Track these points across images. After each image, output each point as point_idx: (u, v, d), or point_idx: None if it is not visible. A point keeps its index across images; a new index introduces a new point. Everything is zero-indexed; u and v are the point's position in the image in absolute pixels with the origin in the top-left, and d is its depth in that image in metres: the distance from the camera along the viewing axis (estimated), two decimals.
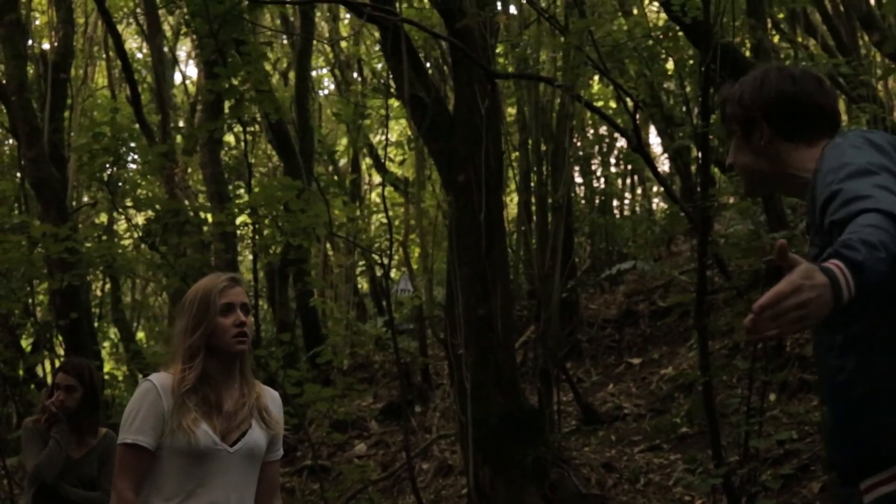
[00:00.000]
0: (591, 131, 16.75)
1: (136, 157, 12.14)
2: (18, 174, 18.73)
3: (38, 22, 19.21)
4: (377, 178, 23.19)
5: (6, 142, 20.52)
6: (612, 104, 15.18)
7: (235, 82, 9.08)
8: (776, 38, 15.68)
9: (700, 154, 6.54)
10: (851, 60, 10.30)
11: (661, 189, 19.70)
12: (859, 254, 1.94)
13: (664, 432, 8.49)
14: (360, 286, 20.93)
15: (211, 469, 3.29)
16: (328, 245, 17.74)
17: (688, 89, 14.86)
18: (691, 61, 10.72)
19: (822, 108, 2.60)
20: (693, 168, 14.80)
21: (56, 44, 15.11)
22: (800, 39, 16.38)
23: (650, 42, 9.60)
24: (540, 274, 9.07)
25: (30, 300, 13.80)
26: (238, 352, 3.38)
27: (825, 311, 1.91)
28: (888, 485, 2.15)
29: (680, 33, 8.94)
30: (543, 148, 10.17)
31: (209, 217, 11.39)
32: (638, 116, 8.22)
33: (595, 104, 11.82)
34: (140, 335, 22.66)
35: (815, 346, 2.49)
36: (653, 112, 13.56)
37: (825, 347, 2.38)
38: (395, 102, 16.87)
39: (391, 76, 9.55)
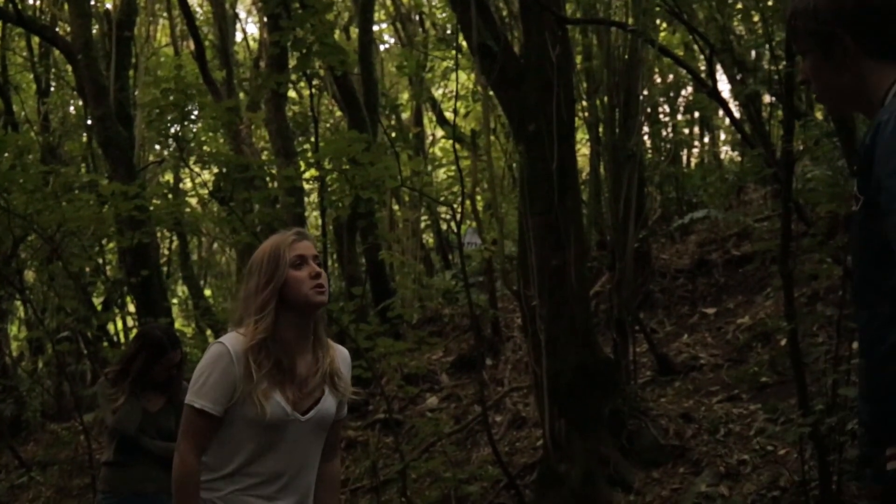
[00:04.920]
0: (659, 80, 16.46)
1: (201, 113, 12.16)
2: (85, 134, 18.95)
3: None
4: (440, 132, 23.10)
5: (71, 102, 20.73)
6: (680, 53, 14.87)
7: (301, 34, 8.98)
8: None
9: (785, 95, 6.33)
10: None
11: (729, 138, 19.39)
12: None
13: (746, 382, 8.32)
14: (425, 241, 20.89)
15: (280, 438, 3.24)
16: (393, 200, 17.71)
17: (757, 34, 14.51)
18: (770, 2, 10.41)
19: None
20: (765, 114, 14.50)
21: (119, 2, 15.14)
22: None
23: None
24: (614, 224, 8.91)
25: (100, 259, 13.96)
26: (318, 303, 3.27)
27: None
28: None
29: None
30: (610, 97, 9.96)
31: (273, 171, 11.36)
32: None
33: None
34: (207, 292, 22.88)
35: (858, 312, 2.36)
36: (723, 58, 13.25)
37: (868, 316, 2.26)
38: (453, 53, 16.72)
39: (459, 26, 9.38)
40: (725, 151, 19.17)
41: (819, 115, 13.92)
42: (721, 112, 17.69)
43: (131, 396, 5.46)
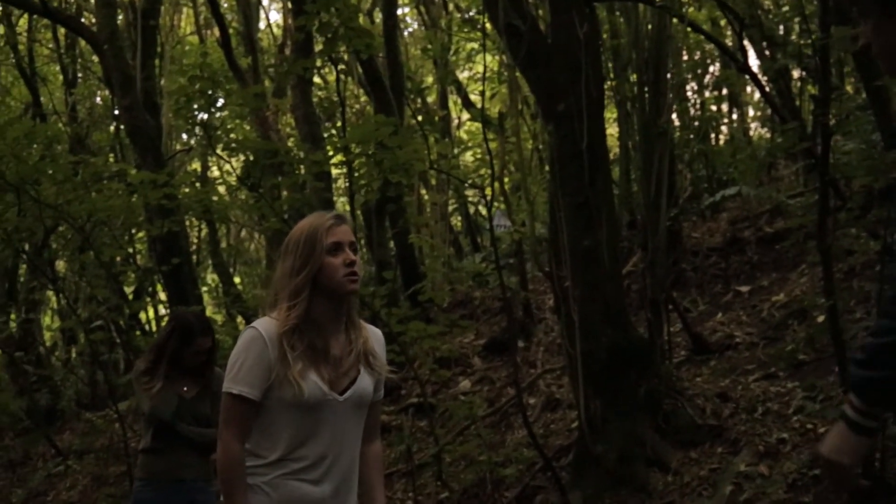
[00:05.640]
0: (685, 56, 16.32)
1: (227, 100, 12.13)
2: (113, 124, 19.02)
3: None
4: (465, 116, 23.06)
5: (97, 92, 20.82)
6: (706, 28, 14.74)
7: (326, 18, 8.94)
8: None
9: (819, 68, 6.22)
10: None
11: (758, 114, 19.21)
12: (858, 373, 2.28)
13: (784, 360, 8.22)
14: (453, 225, 20.87)
15: (321, 419, 3.23)
16: (421, 184, 17.67)
17: (785, 8, 14.35)
18: None
19: None
20: (795, 89, 14.35)
21: None
22: None
23: None
24: (645, 202, 8.82)
25: (130, 248, 14.01)
26: (350, 291, 3.27)
27: (850, 447, 2.31)
28: None
29: None
30: (636, 75, 9.86)
31: (301, 154, 11.33)
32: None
33: (688, 30, 11.46)
34: (236, 280, 22.96)
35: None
36: (752, 33, 13.12)
37: None
38: (478, 35, 16.65)
39: (484, 6, 9.31)
40: (754, 128, 19.00)
41: (850, 90, 13.77)
42: (749, 88, 17.57)
43: (166, 383, 5.48)
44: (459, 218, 21.79)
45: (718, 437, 7.51)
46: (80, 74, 20.43)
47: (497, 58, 15.86)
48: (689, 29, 11.00)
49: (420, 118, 10.52)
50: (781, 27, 15.27)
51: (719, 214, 13.24)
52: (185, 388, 5.55)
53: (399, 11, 20.38)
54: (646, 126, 9.22)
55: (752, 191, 12.01)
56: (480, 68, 22.02)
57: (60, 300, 18.32)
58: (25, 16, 18.35)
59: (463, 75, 22.63)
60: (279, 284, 3.31)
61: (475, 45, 19.87)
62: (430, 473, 8.96)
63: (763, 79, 13.80)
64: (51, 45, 20.28)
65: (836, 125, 6.94)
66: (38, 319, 18.63)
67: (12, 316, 16.87)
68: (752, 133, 18.73)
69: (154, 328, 15.42)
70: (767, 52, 14.27)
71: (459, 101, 21.96)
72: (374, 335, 3.46)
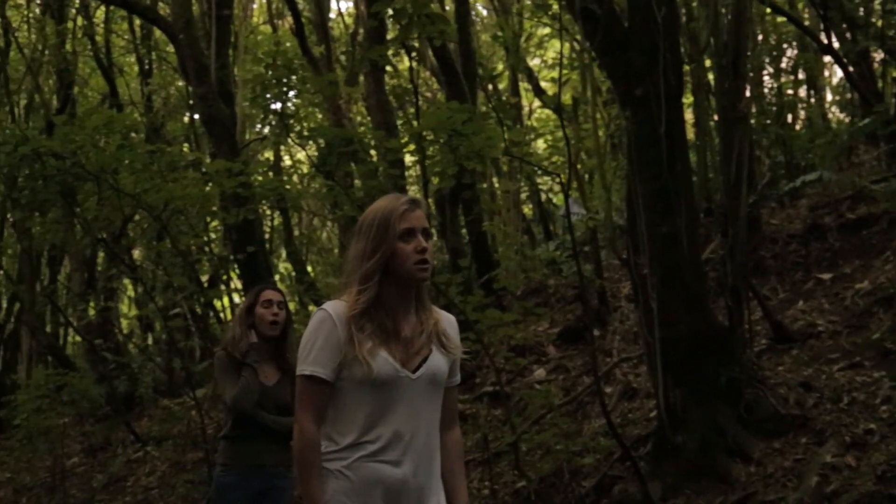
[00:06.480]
0: (761, 38, 16.03)
1: (300, 89, 12.14)
2: (187, 114, 19.24)
3: None
4: (536, 103, 22.92)
5: (172, 83, 21.07)
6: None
7: (400, 5, 8.90)
8: None
9: None
10: None
11: (836, 98, 18.81)
12: None
13: (870, 349, 8.01)
14: (525, 213, 20.77)
15: (394, 397, 3.20)
16: (493, 171, 17.60)
17: None
18: None
19: None
20: (877, 71, 14.01)
21: None
22: None
23: None
24: (725, 188, 8.66)
25: (205, 237, 14.15)
26: (420, 280, 3.27)
27: None
28: None
29: None
30: (718, 58, 9.68)
31: (373, 143, 11.33)
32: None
33: (767, 11, 11.25)
34: (308, 269, 23.09)
35: None
36: (832, 14, 12.83)
37: None
38: (549, 20, 16.54)
39: None
40: (833, 112, 18.60)
41: None
42: (827, 72, 17.21)
43: (248, 370, 5.50)
44: (531, 206, 21.68)
45: (802, 428, 7.36)
46: (155, 64, 20.68)
47: (569, 44, 15.72)
48: (767, 10, 10.80)
49: (493, 104, 10.42)
50: (862, 9, 14.94)
51: (798, 200, 12.96)
52: (266, 375, 5.58)
53: None
54: (724, 111, 9.05)
55: (834, 176, 11.73)
56: (551, 55, 21.92)
57: (138, 288, 18.58)
58: (102, 7, 18.62)
59: (533, 62, 22.49)
60: (351, 266, 3.31)
61: (546, 32, 19.73)
62: (507, 462, 8.90)
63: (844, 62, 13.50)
64: (127, 36, 20.56)
65: None
66: (115, 307, 18.92)
67: (91, 304, 17.15)
68: (830, 117, 18.34)
69: (229, 316, 15.55)
70: (848, 35, 13.95)
71: (531, 88, 21.84)
72: (446, 319, 3.43)
